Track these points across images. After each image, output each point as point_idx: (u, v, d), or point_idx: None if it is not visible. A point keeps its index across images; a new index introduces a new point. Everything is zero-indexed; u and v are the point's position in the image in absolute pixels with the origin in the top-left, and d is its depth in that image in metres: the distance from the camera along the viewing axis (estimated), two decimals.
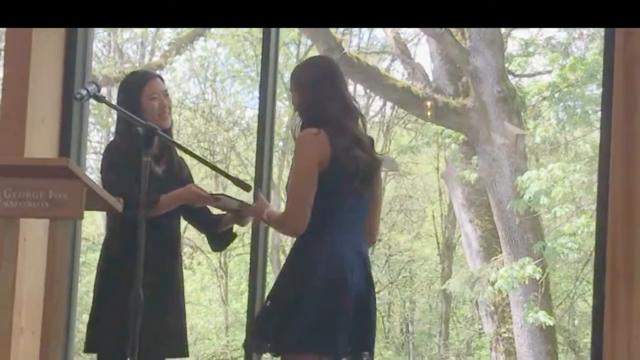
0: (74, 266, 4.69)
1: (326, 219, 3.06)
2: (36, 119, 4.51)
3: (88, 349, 3.34)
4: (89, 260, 13.52)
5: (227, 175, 3.06)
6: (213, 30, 12.11)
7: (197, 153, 4.76)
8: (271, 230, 5.06)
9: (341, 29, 12.09)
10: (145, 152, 2.93)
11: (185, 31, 11.47)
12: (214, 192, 3.22)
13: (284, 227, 3.20)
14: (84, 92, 3.05)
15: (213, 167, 3.10)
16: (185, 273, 3.66)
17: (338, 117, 3.12)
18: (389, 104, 12.55)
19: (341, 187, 3.09)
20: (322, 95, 3.13)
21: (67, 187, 2.87)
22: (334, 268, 3.03)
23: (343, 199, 3.10)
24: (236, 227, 3.46)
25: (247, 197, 3.69)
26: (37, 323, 3.40)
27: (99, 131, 12.61)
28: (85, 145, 4.84)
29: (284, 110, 13.91)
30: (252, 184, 3.70)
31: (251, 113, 12.85)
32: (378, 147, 12.80)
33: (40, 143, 4.52)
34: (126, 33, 12.51)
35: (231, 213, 3.35)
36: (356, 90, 13.53)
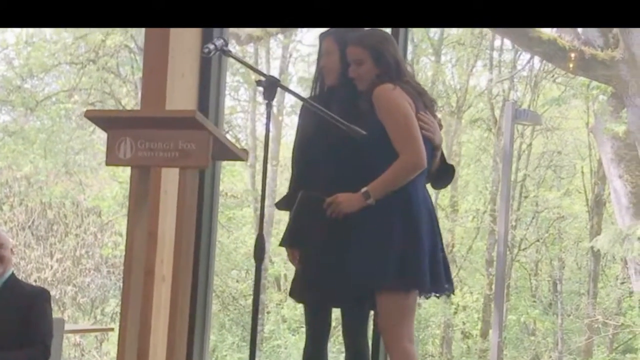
0: (213, 219, 4.82)
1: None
2: (176, 74, 4.64)
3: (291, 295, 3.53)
4: (236, 216, 13.91)
5: (342, 124, 3.10)
6: None
7: None
8: None
9: None
10: (268, 103, 3.02)
11: None
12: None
13: (408, 168, 3.23)
14: (211, 46, 3.13)
15: (331, 117, 3.14)
16: None
17: (414, 84, 3.36)
18: (536, 58, 12.25)
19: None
20: (400, 61, 3.37)
21: (194, 137, 2.97)
22: (424, 208, 3.27)
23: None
24: None
25: None
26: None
27: (246, 89, 12.88)
28: (223, 100, 4.95)
29: (429, 65, 13.79)
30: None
31: None
32: (526, 102, 12.57)
33: (181, 97, 4.66)
34: None
35: None
36: (503, 43, 13.27)
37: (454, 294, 3.45)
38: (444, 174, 3.45)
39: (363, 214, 3.21)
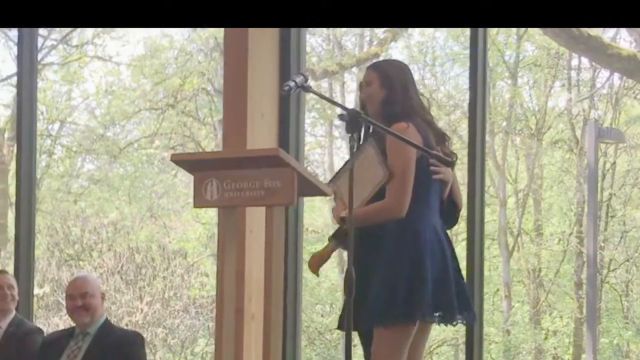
0: (298, 255, 4.85)
1: (422, 199, 3.37)
2: (256, 115, 4.72)
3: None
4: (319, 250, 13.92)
5: (430, 154, 3.12)
6: None
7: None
8: None
9: None
10: (351, 137, 3.02)
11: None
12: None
13: (387, 212, 3.33)
14: (292, 83, 3.16)
15: (416, 146, 3.15)
16: None
17: (422, 112, 3.45)
18: (617, 75, 12.03)
19: (430, 173, 3.37)
20: (410, 91, 3.46)
21: (279, 175, 3.02)
22: (435, 242, 3.36)
23: (431, 184, 3.40)
24: None
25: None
26: None
27: (322, 125, 12.96)
28: (303, 137, 5.01)
29: (506, 89, 13.67)
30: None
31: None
32: (607, 120, 12.35)
33: (261, 137, 4.73)
34: None
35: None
36: (580, 62, 13.07)
37: (474, 323, 3.53)
38: (449, 212, 3.52)
39: (379, 250, 3.33)
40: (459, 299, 3.38)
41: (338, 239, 3.48)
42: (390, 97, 3.42)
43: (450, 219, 3.53)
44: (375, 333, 3.33)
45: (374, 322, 3.31)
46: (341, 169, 3.47)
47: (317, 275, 3.56)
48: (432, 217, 3.41)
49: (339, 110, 3.06)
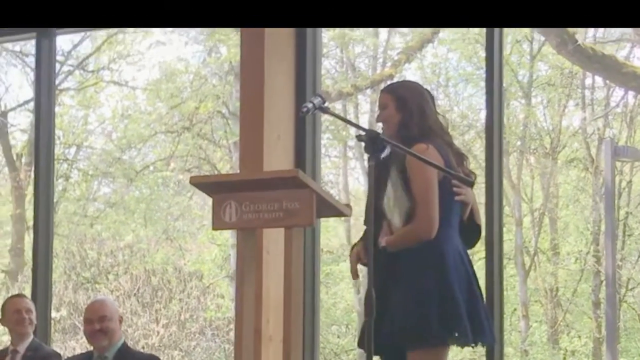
0: (315, 276, 4.85)
1: (445, 220, 3.36)
2: (272, 137, 4.73)
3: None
4: (333, 271, 13.92)
5: (450, 174, 3.12)
6: (441, 35, 12.12)
7: None
8: None
9: None
10: (370, 157, 3.01)
11: (414, 39, 11.57)
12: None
13: (418, 236, 3.33)
14: (309, 105, 3.17)
15: (437, 167, 3.15)
16: None
17: (441, 133, 3.47)
18: (631, 93, 12.00)
19: (451, 192, 3.38)
20: (427, 112, 3.46)
21: (298, 196, 3.02)
22: (459, 263, 3.37)
23: (453, 205, 3.41)
24: None
25: None
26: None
27: (335, 147, 12.97)
28: (319, 158, 5.02)
29: (520, 109, 13.66)
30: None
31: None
32: (622, 139, 12.32)
33: (278, 159, 4.74)
34: (357, 47, 12.80)
35: None
36: (594, 81, 13.05)
37: (494, 344, 3.55)
38: (470, 232, 3.50)
39: (399, 271, 3.33)
40: (486, 318, 3.39)
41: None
42: (407, 119, 3.43)
43: (471, 239, 3.52)
44: (410, 357, 3.29)
45: (408, 346, 3.28)
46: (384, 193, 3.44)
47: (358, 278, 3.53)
48: (455, 238, 3.41)
49: (356, 131, 3.07)
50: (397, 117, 3.43)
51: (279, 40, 4.83)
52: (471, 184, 3.31)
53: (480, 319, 3.31)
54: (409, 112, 3.42)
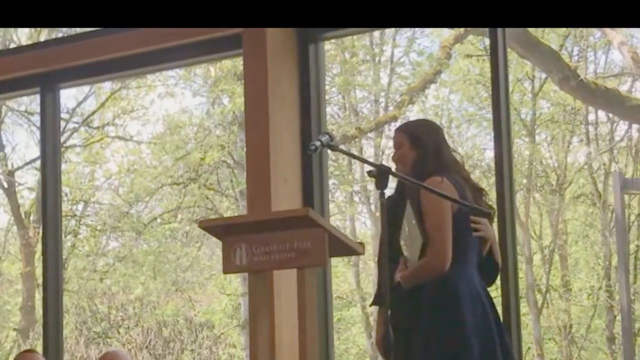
0: (328, 320, 4.81)
1: (460, 256, 3.30)
2: (279, 180, 4.73)
3: None
4: (345, 317, 13.83)
5: (466, 205, 3.09)
6: (444, 76, 12.18)
7: None
8: None
9: (575, 56, 11.81)
10: (381, 193, 2.98)
11: (416, 81, 11.61)
12: None
13: (430, 270, 3.27)
14: (317, 143, 3.11)
15: (449, 198, 3.13)
16: None
17: (457, 168, 3.43)
18: (634, 127, 12.02)
19: (468, 227, 3.33)
20: (443, 149, 3.45)
21: (309, 236, 2.97)
22: (476, 301, 3.31)
23: (469, 240, 3.35)
24: None
25: None
26: None
27: (342, 192, 12.97)
28: (327, 200, 5.01)
29: (524, 146, 13.67)
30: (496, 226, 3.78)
31: (491, 154, 12.72)
32: (629, 172, 12.30)
33: (285, 202, 4.73)
34: (359, 93, 12.87)
35: None
36: (597, 116, 13.08)
37: None
38: (488, 269, 3.45)
39: (418, 311, 3.29)
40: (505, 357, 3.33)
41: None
42: (423, 156, 3.40)
43: (490, 275, 3.46)
44: None
45: None
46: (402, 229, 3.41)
47: None
48: (471, 275, 3.36)
49: (367, 168, 3.05)
50: (413, 154, 3.41)
51: (282, 82, 4.86)
52: (487, 215, 3.25)
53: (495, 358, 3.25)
54: (424, 149, 3.40)
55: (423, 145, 3.40)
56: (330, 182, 13.75)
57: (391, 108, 12.16)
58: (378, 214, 14.07)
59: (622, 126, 12.64)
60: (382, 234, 3.09)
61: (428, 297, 3.26)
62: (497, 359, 3.25)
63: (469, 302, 3.28)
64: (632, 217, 12.76)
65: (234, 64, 11.36)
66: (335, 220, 14.19)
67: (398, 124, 11.45)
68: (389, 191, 3.25)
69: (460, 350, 3.20)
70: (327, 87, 11.66)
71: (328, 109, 12.03)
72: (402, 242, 3.31)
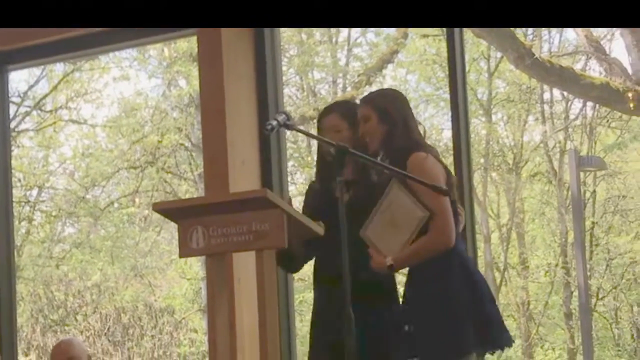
0: (290, 303, 4.78)
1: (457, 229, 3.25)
2: (236, 162, 4.67)
3: None
4: (307, 299, 13.82)
5: (423, 183, 3.02)
6: (400, 57, 12.19)
7: None
8: None
9: (530, 35, 11.87)
10: (338, 172, 2.86)
11: (373, 62, 11.60)
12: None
13: (438, 244, 3.18)
14: (274, 122, 2.98)
15: (414, 179, 3.07)
16: None
17: (424, 142, 3.33)
18: (589, 105, 12.12)
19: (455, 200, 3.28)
20: (411, 123, 3.32)
21: (268, 217, 2.90)
22: (475, 270, 3.30)
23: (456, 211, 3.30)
24: None
25: None
26: None
27: (301, 173, 12.93)
28: (286, 182, 4.96)
29: (481, 126, 13.74)
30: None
31: (448, 134, 12.77)
32: (584, 150, 12.41)
33: (243, 184, 4.67)
34: (317, 74, 12.82)
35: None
36: (552, 95, 13.18)
37: (510, 346, 3.38)
38: None
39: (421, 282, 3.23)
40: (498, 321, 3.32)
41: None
42: (392, 132, 3.27)
43: None
44: None
45: (446, 356, 3.14)
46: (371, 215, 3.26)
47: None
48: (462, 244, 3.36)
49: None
50: (382, 129, 3.26)
51: (237, 63, 4.79)
52: (447, 193, 3.16)
53: (491, 322, 3.18)
54: (393, 124, 3.26)
55: (392, 120, 3.27)
56: (290, 164, 13.70)
57: (349, 89, 12.14)
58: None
59: (576, 104, 12.77)
60: (341, 219, 2.86)
61: (436, 268, 3.17)
62: (492, 318, 3.21)
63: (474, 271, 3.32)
64: (588, 194, 12.90)
65: (190, 45, 11.25)
66: (296, 202, 14.16)
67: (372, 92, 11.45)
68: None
69: (482, 315, 3.18)
70: (284, 69, 11.61)
71: (286, 90, 11.96)
72: (370, 230, 3.21)
